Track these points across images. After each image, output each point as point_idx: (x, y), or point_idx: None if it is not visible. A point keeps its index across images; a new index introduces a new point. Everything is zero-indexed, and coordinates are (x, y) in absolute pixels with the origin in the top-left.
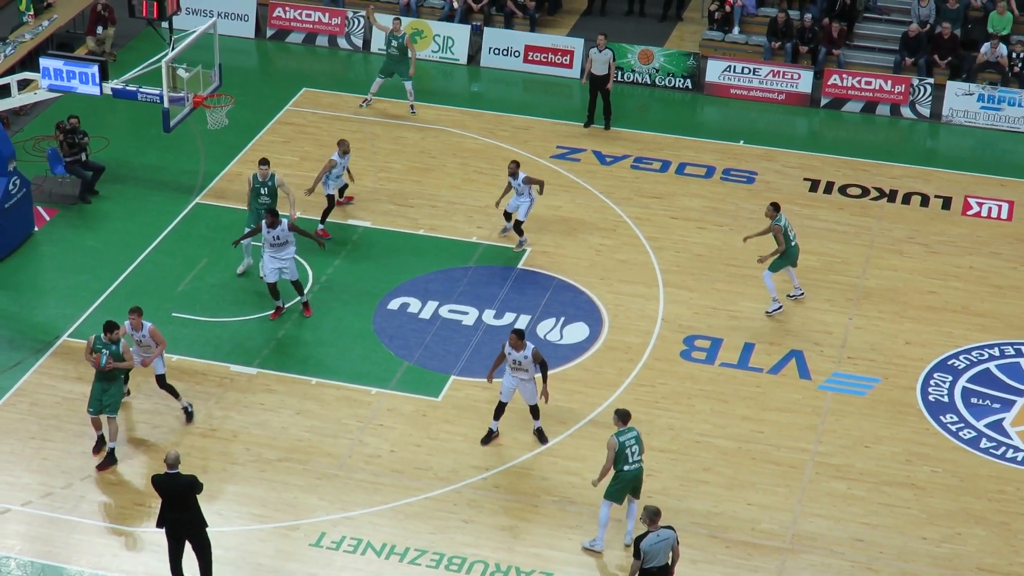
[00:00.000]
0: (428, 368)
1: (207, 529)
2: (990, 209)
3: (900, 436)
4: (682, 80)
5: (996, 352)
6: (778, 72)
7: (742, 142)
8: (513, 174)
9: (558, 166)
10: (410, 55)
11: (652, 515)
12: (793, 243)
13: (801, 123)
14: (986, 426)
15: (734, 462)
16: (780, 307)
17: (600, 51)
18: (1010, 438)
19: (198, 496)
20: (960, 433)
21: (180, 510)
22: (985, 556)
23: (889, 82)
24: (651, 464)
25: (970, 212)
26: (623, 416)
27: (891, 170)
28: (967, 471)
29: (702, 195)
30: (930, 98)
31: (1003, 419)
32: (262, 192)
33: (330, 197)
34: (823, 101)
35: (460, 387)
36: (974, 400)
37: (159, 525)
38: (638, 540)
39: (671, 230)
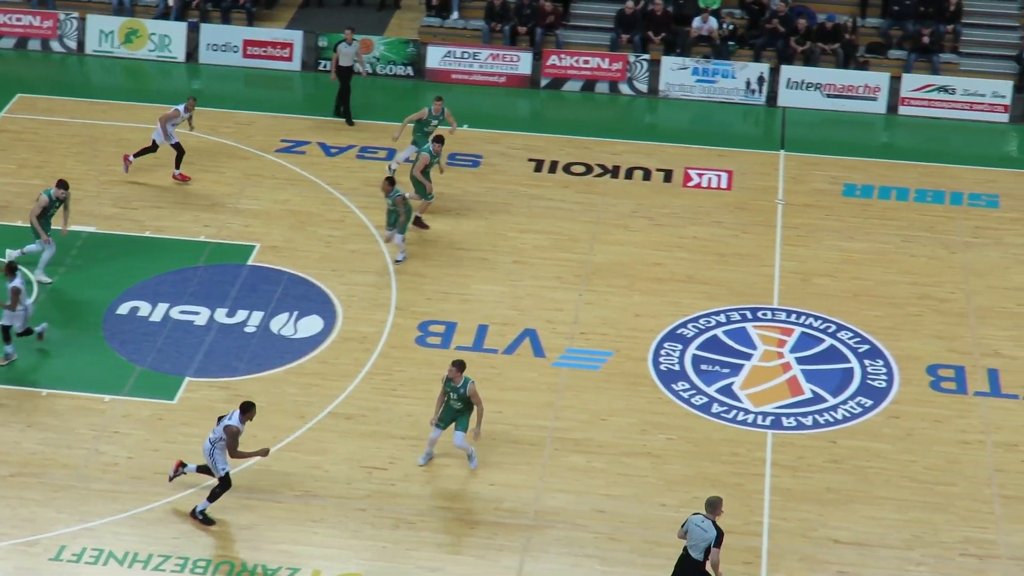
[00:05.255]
0: (162, 371)
1: None
2: (710, 179)
3: (635, 407)
4: (403, 68)
5: (723, 319)
6: (498, 55)
7: (466, 126)
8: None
9: (283, 160)
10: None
11: (711, 505)
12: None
13: (523, 104)
14: (717, 391)
15: (475, 444)
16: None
17: (349, 44)
18: (740, 401)
19: None
20: (692, 400)
21: None
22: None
23: (607, 60)
24: (394, 452)
25: (691, 183)
26: (460, 367)
27: (613, 146)
28: (701, 436)
29: None
30: (647, 74)
31: (732, 383)
32: (432, 123)
33: (176, 145)
34: (544, 82)
35: (196, 388)
36: (704, 367)
37: None
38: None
39: None
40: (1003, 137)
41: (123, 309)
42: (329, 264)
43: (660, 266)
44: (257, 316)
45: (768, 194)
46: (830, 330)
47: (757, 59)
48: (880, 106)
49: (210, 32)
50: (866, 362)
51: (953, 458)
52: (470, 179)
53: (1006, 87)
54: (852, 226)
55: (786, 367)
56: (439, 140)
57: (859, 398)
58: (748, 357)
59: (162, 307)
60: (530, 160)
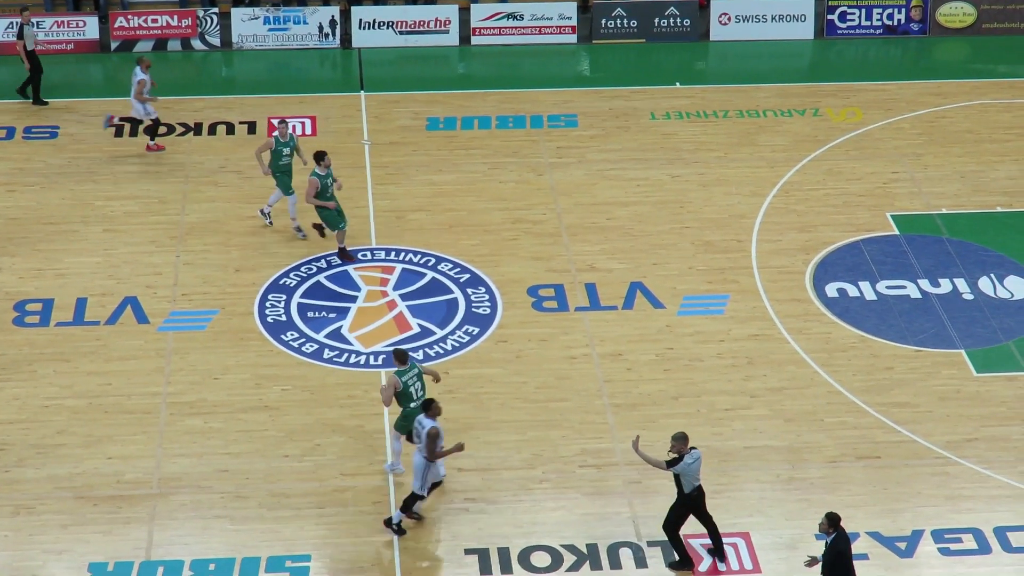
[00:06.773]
0: None
1: None
2: (294, 127)
3: (246, 362)
4: None
5: (324, 264)
6: (63, 22)
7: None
8: None
9: None
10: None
11: (682, 439)
12: None
13: (95, 70)
14: (326, 336)
15: (88, 419)
16: None
17: (28, 25)
18: (351, 344)
19: None
20: (303, 348)
21: None
22: (346, 461)
23: (175, 17)
24: (3, 438)
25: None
26: (401, 356)
27: (193, 104)
28: (316, 383)
29: (7, 158)
30: (218, 27)
31: (341, 327)
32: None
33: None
34: (114, 45)
35: None
36: (311, 314)
37: None
38: (671, 464)
39: None
40: (574, 57)
41: None
42: None
43: (254, 219)
44: None
45: (353, 136)
46: (430, 263)
47: (327, 3)
48: (453, 38)
49: None
50: (469, 291)
51: (563, 374)
52: (50, 151)
53: (571, 8)
54: (439, 159)
55: (391, 305)
56: (321, 156)
57: (466, 327)
58: (353, 299)
59: None
60: (109, 126)
